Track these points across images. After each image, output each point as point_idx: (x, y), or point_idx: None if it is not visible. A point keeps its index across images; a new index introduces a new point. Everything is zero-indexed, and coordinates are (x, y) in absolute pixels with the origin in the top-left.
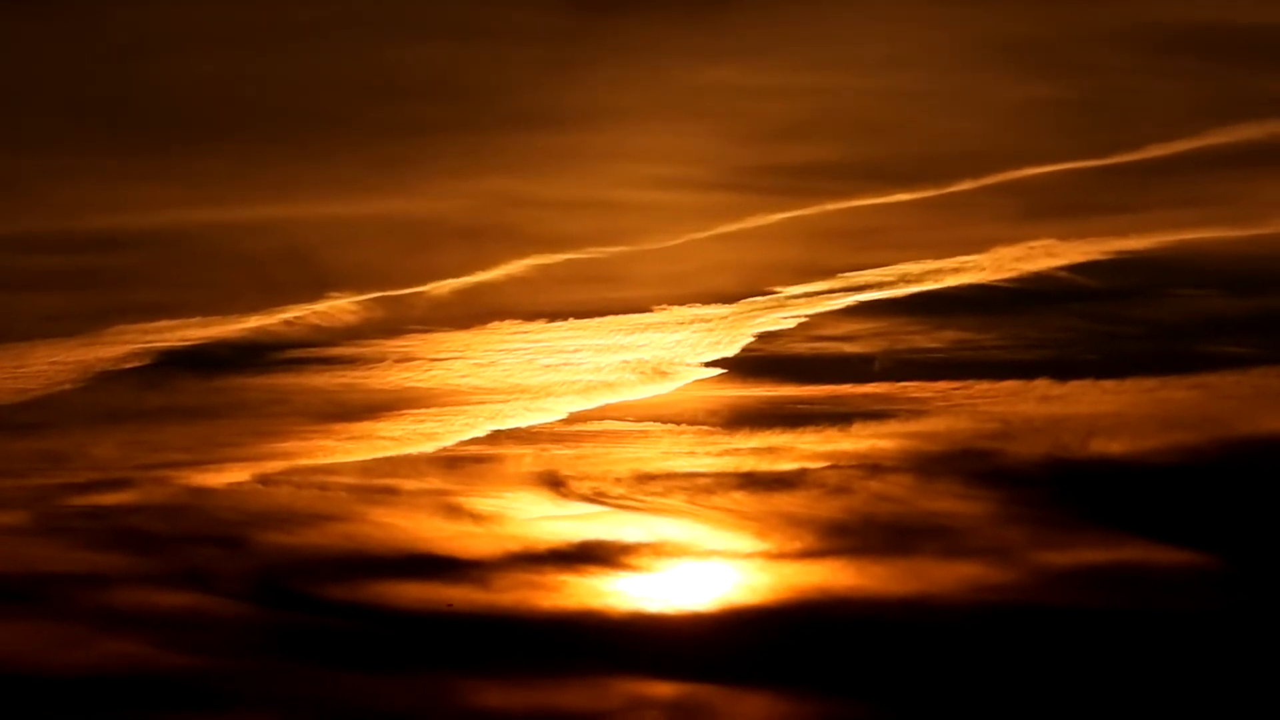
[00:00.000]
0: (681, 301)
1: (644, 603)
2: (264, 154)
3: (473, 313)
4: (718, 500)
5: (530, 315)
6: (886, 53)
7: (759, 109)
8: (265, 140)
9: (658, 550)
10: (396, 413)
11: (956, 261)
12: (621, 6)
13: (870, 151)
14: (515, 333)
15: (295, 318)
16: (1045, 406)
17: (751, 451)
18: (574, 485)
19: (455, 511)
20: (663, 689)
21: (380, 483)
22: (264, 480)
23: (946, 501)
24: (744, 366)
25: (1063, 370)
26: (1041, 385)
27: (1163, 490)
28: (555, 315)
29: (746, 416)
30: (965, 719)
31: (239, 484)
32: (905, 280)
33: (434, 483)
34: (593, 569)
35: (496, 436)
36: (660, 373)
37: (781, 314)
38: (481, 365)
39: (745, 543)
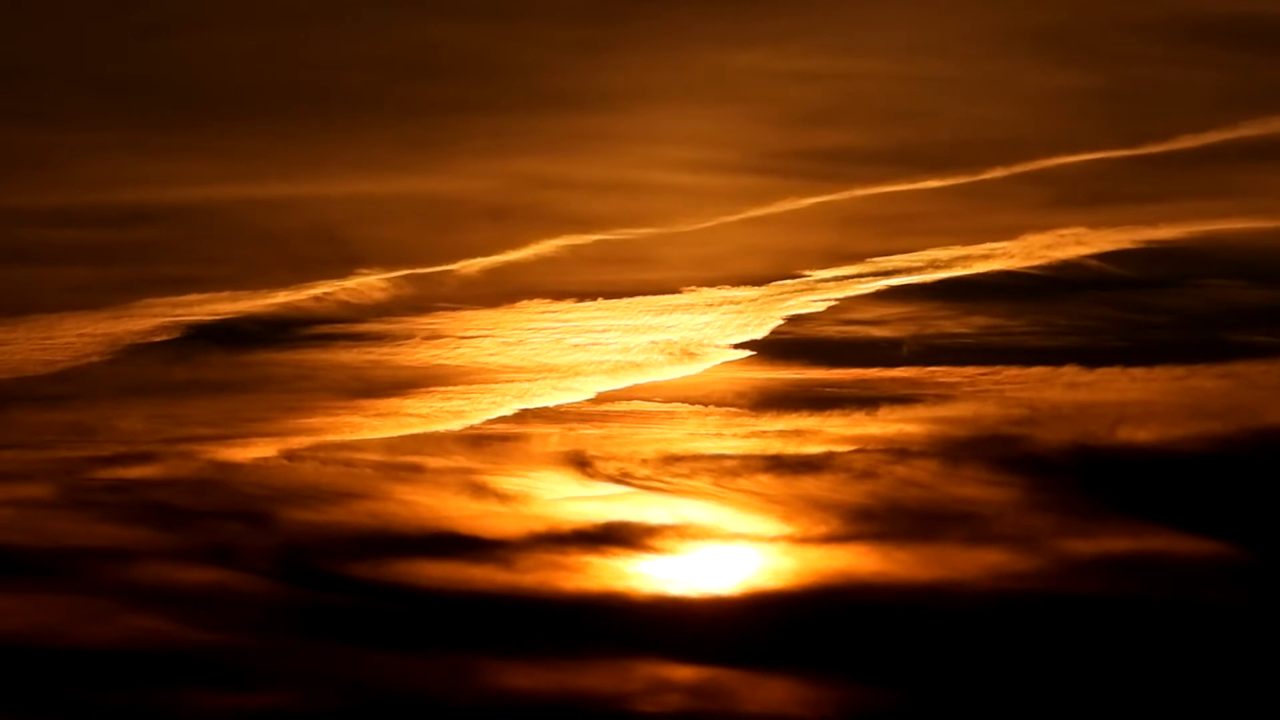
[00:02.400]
0: (711, 283)
1: (667, 585)
2: (295, 131)
3: (502, 291)
4: (743, 483)
5: (559, 295)
6: (917, 39)
7: (790, 94)
8: (296, 118)
9: (682, 532)
10: (424, 390)
11: (986, 248)
12: None
13: (900, 138)
14: (544, 312)
15: (324, 294)
16: (1073, 393)
17: (778, 434)
18: (600, 465)
19: (480, 490)
20: (684, 672)
21: (406, 460)
22: (290, 456)
23: (972, 488)
24: (772, 349)
25: (1091, 357)
26: (1070, 372)
27: (1190, 479)
28: (584, 295)
29: (774, 399)
30: (987, 706)
31: (265, 459)
32: (934, 266)
33: (460, 461)
34: (617, 550)
35: (523, 415)
36: (688, 354)
37: (811, 297)
38: (510, 344)
39: (770, 526)
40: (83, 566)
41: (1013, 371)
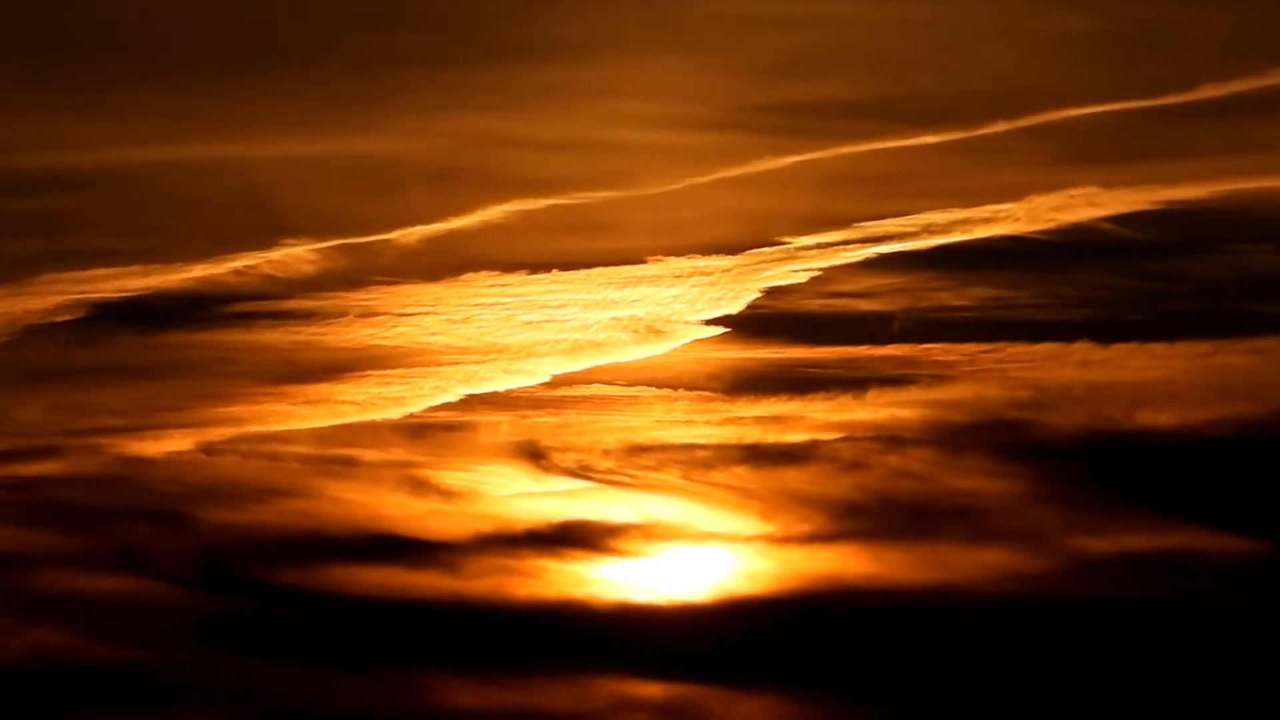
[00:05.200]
0: (679, 253)
1: (632, 592)
2: (217, 88)
3: (445, 263)
4: (717, 476)
5: (509, 266)
6: None
7: (767, 41)
8: (218, 73)
9: (648, 532)
10: (358, 374)
11: (987, 211)
12: None
13: (891, 89)
14: (492, 286)
15: (246, 267)
16: (1085, 373)
17: (756, 421)
18: (556, 458)
19: (422, 486)
20: (651, 689)
21: (339, 453)
22: (208, 450)
23: (973, 479)
24: (748, 325)
25: (1105, 332)
26: (1081, 349)
27: (1215, 468)
28: (538, 267)
29: (751, 381)
30: None
31: (180, 454)
32: (929, 231)
33: (399, 453)
34: (575, 553)
35: (470, 402)
36: (655, 331)
37: (791, 267)
38: (454, 322)
39: (747, 524)
40: None
41: (1017, 349)
